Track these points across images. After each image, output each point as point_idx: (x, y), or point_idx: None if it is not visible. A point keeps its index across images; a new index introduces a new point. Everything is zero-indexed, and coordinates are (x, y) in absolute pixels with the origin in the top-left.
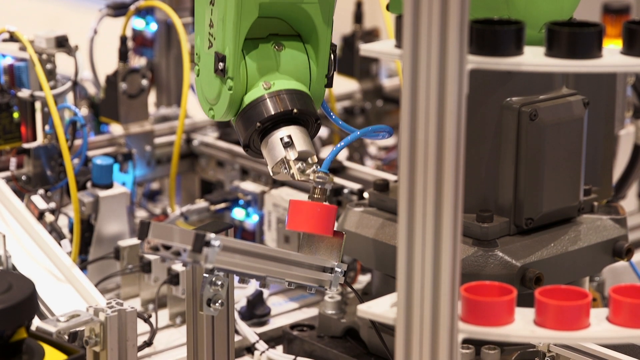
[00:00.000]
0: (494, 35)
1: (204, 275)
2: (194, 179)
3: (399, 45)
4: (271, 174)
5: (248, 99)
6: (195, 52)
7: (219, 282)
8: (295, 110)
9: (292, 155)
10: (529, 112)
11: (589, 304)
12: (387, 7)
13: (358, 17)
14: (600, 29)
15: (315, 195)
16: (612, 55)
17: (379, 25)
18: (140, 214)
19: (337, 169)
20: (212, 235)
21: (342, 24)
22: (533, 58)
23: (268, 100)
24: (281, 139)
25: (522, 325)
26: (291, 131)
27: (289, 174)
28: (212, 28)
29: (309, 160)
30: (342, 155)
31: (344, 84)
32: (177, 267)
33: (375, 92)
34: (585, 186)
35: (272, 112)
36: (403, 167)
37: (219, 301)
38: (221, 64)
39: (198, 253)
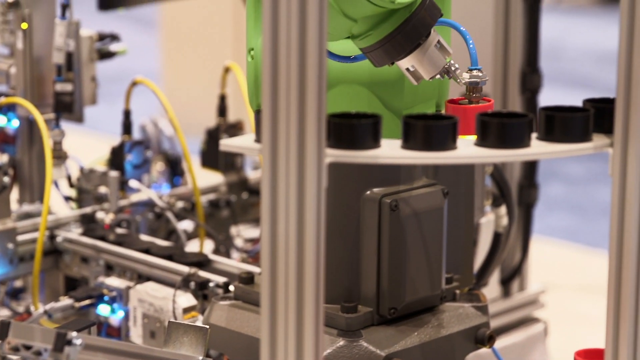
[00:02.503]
0: (351, 129)
1: None
2: (58, 275)
3: (258, 140)
4: (428, 79)
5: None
6: None
7: None
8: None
9: (452, 61)
10: (390, 202)
11: None
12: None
13: (222, 110)
14: (454, 121)
15: (476, 94)
16: (466, 147)
17: (243, 119)
18: (3, 312)
19: (202, 262)
20: (74, 333)
21: (206, 117)
22: (389, 151)
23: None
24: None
25: None
26: (437, 34)
27: (448, 78)
28: None
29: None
30: (208, 248)
31: (208, 177)
32: None
33: (240, 185)
34: (447, 274)
35: (438, 14)
36: (264, 259)
37: None
38: None
39: (59, 352)
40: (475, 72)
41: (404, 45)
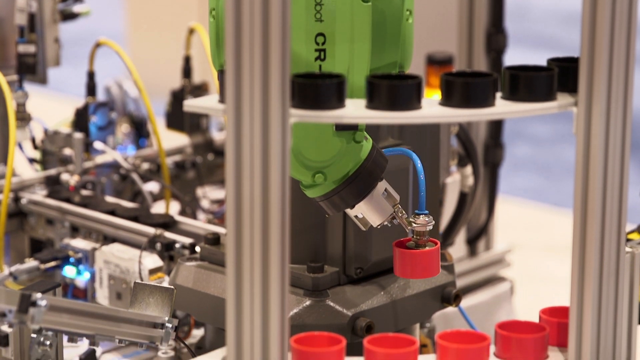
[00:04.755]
0: (316, 88)
1: (32, 335)
2: (23, 238)
3: (222, 100)
4: (376, 226)
5: (364, 152)
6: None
7: (48, 342)
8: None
9: (398, 207)
10: None
11: (416, 351)
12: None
13: (187, 71)
14: (418, 81)
15: (424, 238)
16: (430, 106)
17: (208, 80)
18: None
19: (168, 223)
20: (38, 295)
21: (171, 79)
22: (354, 110)
23: (378, 150)
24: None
25: None
26: (385, 183)
27: (393, 223)
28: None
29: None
30: (174, 210)
31: (174, 139)
32: (6, 328)
33: (206, 146)
34: None
35: (385, 164)
36: (230, 220)
37: None
38: None
39: (24, 314)
40: (422, 218)
41: (351, 198)
